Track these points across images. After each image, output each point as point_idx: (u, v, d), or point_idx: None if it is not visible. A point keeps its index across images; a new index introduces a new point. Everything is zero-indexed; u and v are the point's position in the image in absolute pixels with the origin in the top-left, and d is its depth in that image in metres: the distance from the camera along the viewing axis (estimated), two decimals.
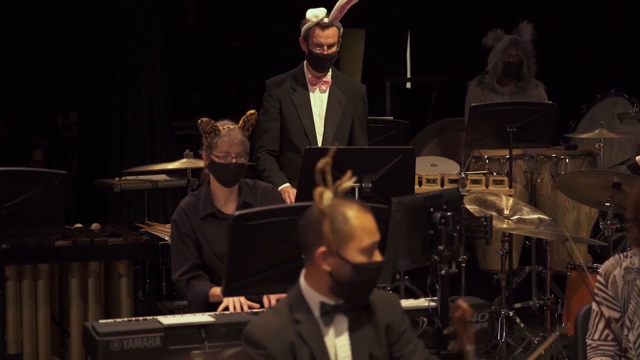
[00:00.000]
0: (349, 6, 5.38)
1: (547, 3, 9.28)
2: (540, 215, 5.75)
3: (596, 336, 3.77)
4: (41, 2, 8.91)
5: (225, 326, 3.86)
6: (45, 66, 8.97)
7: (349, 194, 4.16)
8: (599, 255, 5.98)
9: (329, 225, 3.03)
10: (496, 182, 6.46)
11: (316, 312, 3.11)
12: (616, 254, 3.88)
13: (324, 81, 5.55)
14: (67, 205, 6.92)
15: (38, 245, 5.32)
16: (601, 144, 6.84)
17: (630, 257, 3.77)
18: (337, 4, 5.36)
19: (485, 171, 6.93)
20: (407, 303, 4.09)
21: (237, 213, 3.85)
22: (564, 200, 7.00)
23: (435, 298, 3.85)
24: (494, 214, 5.55)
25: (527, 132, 6.44)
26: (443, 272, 3.68)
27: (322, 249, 3.05)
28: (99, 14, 8.24)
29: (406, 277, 6.76)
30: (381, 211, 3.71)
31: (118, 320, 3.96)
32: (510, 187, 6.46)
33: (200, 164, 5.10)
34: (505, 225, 5.62)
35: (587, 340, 3.81)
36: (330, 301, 3.11)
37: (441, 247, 3.67)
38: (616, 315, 3.75)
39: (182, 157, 6.44)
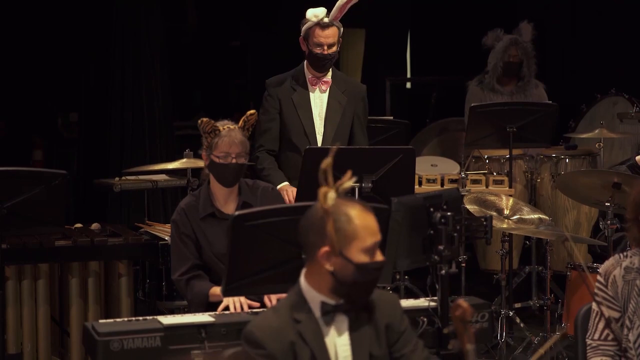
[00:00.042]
0: (349, 6, 5.37)
1: (547, 3, 9.28)
2: (540, 215, 5.75)
3: (596, 336, 3.78)
4: (41, 2, 8.91)
5: (225, 326, 3.86)
6: (45, 66, 8.97)
7: (349, 194, 4.16)
8: (599, 255, 5.98)
9: (332, 225, 3.03)
10: (496, 182, 6.46)
11: (317, 311, 3.11)
12: (616, 254, 3.88)
13: (324, 81, 5.55)
14: (67, 205, 6.92)
15: (38, 245, 5.32)
16: (601, 144, 6.84)
17: (630, 257, 3.77)
18: (337, 4, 5.36)
19: (485, 171, 6.93)
20: (407, 303, 4.09)
21: (237, 213, 3.85)
22: (564, 200, 7.00)
23: (435, 298, 3.85)
24: (494, 214, 5.55)
25: (527, 132, 6.44)
26: (443, 272, 3.68)
27: (325, 248, 3.05)
28: (99, 14, 8.24)
29: (406, 277, 6.76)
30: (381, 211, 3.70)
31: (118, 320, 3.96)
32: (510, 187, 6.46)
33: (200, 164, 5.10)
34: (505, 225, 5.62)
35: (587, 340, 3.81)
36: (331, 301, 3.11)
37: (441, 247, 3.67)
38: (616, 315, 3.75)
39: (182, 157, 6.44)
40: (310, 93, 5.55)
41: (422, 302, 4.15)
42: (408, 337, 3.23)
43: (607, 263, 3.82)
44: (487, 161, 7.17)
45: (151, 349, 3.76)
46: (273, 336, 3.04)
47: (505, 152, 6.82)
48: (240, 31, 10.95)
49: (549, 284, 6.19)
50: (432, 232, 3.74)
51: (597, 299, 3.78)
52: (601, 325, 3.76)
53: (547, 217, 5.75)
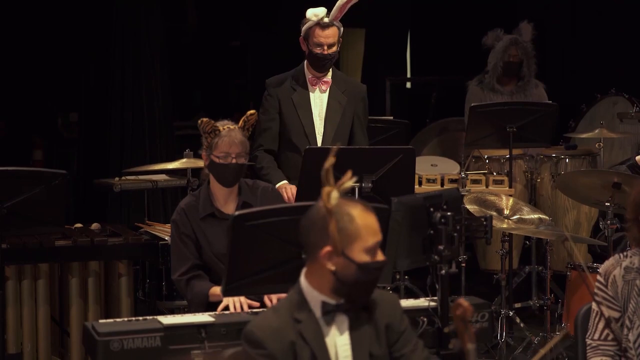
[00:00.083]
0: (349, 6, 5.37)
1: (547, 3, 9.28)
2: (540, 215, 5.75)
3: (596, 336, 3.78)
4: (41, 2, 8.91)
5: (225, 326, 3.86)
6: (45, 66, 8.97)
7: (349, 193, 4.16)
8: (599, 255, 5.98)
9: (335, 225, 3.04)
10: (496, 182, 6.45)
11: (317, 311, 3.11)
12: (616, 254, 3.88)
13: (324, 81, 5.55)
14: (67, 205, 6.92)
15: (38, 245, 5.32)
16: (601, 144, 6.84)
17: (630, 257, 3.77)
18: (337, 4, 5.36)
19: (485, 171, 6.93)
20: (407, 303, 4.09)
21: (237, 213, 3.85)
22: (564, 200, 7.00)
23: (435, 298, 3.85)
24: (494, 213, 5.55)
25: (527, 132, 6.44)
26: (443, 272, 3.68)
27: (327, 248, 3.06)
28: (99, 14, 8.24)
29: (406, 277, 6.76)
30: (381, 211, 3.70)
31: (118, 320, 3.96)
32: (510, 187, 6.46)
33: (200, 164, 5.10)
34: (505, 225, 5.62)
35: (587, 340, 3.81)
36: (331, 301, 3.11)
37: (441, 247, 3.68)
38: (616, 315, 3.75)
39: (182, 157, 6.44)
40: (310, 93, 5.55)
41: (422, 302, 4.15)
42: (408, 337, 3.23)
43: (607, 263, 3.82)
44: (487, 161, 7.17)
45: (151, 349, 3.76)
46: (273, 336, 3.04)
47: (505, 152, 6.82)
48: (240, 31, 10.95)
49: (549, 284, 6.20)
50: (432, 232, 3.74)
51: (597, 298, 3.78)
52: (601, 325, 3.76)
53: (547, 217, 5.75)
